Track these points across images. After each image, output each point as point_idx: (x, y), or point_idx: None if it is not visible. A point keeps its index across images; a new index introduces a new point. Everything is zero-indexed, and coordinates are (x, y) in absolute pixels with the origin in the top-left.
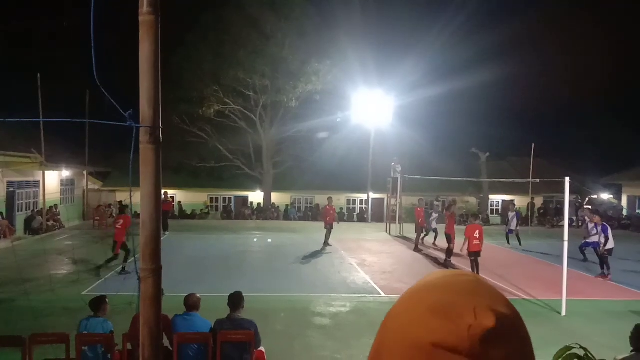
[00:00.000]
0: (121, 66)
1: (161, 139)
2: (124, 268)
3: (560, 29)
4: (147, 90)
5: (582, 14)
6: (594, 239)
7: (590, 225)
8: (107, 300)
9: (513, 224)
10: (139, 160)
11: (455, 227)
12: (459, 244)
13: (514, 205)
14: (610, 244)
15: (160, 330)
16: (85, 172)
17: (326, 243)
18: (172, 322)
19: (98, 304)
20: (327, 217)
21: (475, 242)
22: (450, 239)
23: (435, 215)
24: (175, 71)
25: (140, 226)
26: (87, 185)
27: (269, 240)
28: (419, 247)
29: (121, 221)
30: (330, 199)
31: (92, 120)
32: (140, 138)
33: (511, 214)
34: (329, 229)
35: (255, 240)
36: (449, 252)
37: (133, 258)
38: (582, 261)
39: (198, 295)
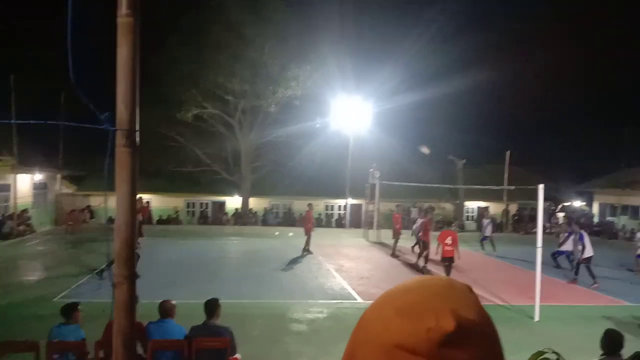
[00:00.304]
0: (99, 68)
1: (138, 142)
2: (102, 271)
3: (535, 38)
4: (124, 92)
5: (556, 25)
6: (566, 247)
7: (563, 235)
8: (79, 307)
9: (488, 231)
10: (115, 164)
11: (432, 233)
12: (433, 250)
13: (489, 212)
14: (589, 252)
15: (134, 338)
16: (58, 176)
17: (306, 249)
18: (146, 329)
19: (70, 311)
20: (309, 224)
21: (447, 247)
22: (426, 245)
23: (421, 220)
24: (153, 74)
25: (114, 232)
26: (60, 189)
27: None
28: (396, 253)
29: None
30: (310, 205)
31: (68, 122)
32: (117, 141)
33: (486, 221)
34: (310, 235)
35: (234, 244)
36: (425, 258)
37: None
38: (554, 267)
39: (173, 301)
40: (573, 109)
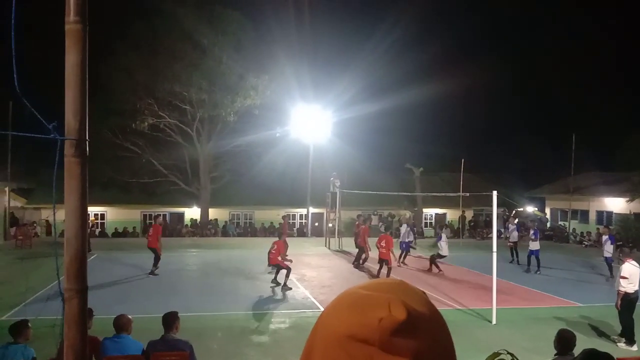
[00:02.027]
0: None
1: (88, 152)
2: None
3: (486, 52)
4: (72, 101)
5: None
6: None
7: (531, 232)
8: (29, 324)
9: (513, 237)
10: (64, 174)
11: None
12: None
13: (515, 214)
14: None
15: (86, 354)
16: (7, 189)
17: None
18: (101, 345)
19: (19, 329)
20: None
21: (382, 250)
22: (363, 250)
23: (404, 227)
24: (106, 82)
25: (64, 244)
26: (9, 203)
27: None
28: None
29: (151, 230)
30: (285, 216)
31: (15, 132)
32: (65, 151)
33: (511, 227)
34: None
35: (193, 256)
36: (364, 260)
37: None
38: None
39: (129, 316)
40: (521, 118)
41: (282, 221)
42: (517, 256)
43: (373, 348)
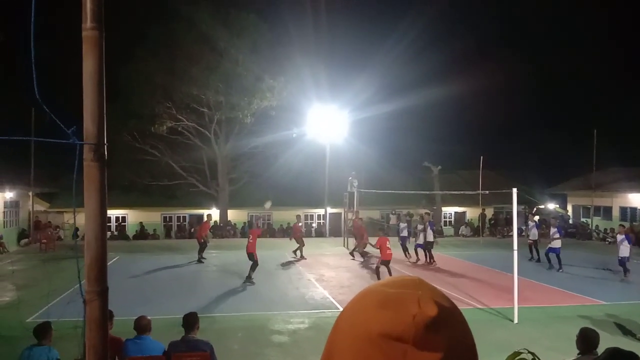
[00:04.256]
0: (66, 81)
1: (106, 156)
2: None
3: (504, 48)
4: (91, 106)
5: (525, 35)
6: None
7: (552, 230)
8: (52, 326)
9: (533, 235)
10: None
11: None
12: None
13: (535, 212)
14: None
15: (107, 355)
16: (30, 194)
17: (302, 256)
18: (123, 346)
19: (43, 331)
20: (298, 234)
21: (389, 251)
22: (301, 242)
23: (403, 225)
24: (125, 87)
25: (85, 247)
26: (32, 207)
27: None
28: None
29: (250, 235)
30: (298, 217)
31: (34, 138)
32: (84, 155)
33: (531, 224)
34: (302, 243)
35: (212, 257)
36: (363, 246)
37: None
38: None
39: (148, 317)
40: (543, 114)
41: (296, 221)
42: (537, 254)
43: (407, 345)
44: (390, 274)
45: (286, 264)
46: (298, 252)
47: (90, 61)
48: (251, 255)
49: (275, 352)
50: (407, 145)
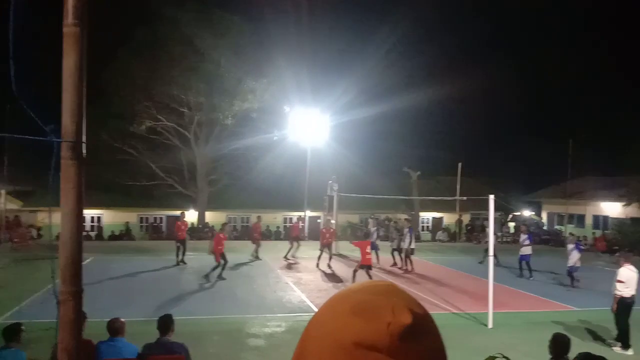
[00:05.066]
0: (46, 78)
1: (85, 154)
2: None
3: (483, 53)
4: (70, 103)
5: (504, 44)
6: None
7: (523, 237)
8: (22, 327)
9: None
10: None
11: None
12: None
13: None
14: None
15: (80, 357)
16: (3, 191)
17: (257, 257)
18: (96, 349)
19: (13, 333)
20: (255, 234)
21: (368, 256)
22: (257, 243)
23: (373, 229)
24: (105, 85)
25: (59, 247)
26: (5, 205)
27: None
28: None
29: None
30: (259, 217)
31: (9, 134)
32: (62, 153)
33: (523, 236)
34: (258, 244)
35: (189, 259)
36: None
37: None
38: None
39: (122, 319)
40: (518, 122)
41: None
42: (529, 269)
43: (381, 354)
44: (370, 278)
45: (264, 267)
46: (282, 255)
47: (71, 58)
48: (217, 256)
49: (251, 355)
50: (388, 150)
